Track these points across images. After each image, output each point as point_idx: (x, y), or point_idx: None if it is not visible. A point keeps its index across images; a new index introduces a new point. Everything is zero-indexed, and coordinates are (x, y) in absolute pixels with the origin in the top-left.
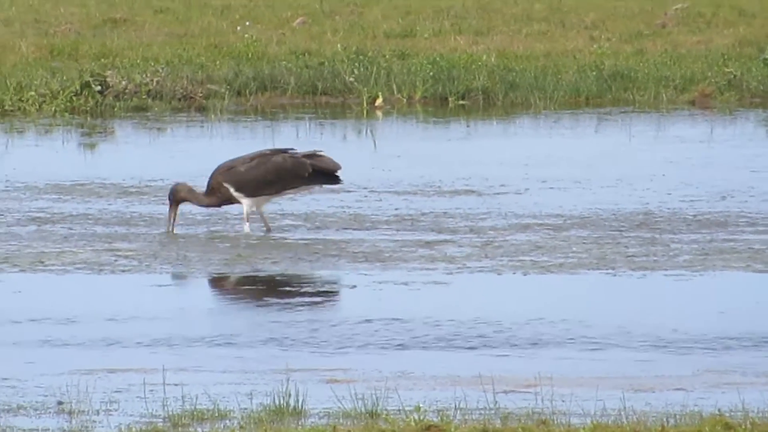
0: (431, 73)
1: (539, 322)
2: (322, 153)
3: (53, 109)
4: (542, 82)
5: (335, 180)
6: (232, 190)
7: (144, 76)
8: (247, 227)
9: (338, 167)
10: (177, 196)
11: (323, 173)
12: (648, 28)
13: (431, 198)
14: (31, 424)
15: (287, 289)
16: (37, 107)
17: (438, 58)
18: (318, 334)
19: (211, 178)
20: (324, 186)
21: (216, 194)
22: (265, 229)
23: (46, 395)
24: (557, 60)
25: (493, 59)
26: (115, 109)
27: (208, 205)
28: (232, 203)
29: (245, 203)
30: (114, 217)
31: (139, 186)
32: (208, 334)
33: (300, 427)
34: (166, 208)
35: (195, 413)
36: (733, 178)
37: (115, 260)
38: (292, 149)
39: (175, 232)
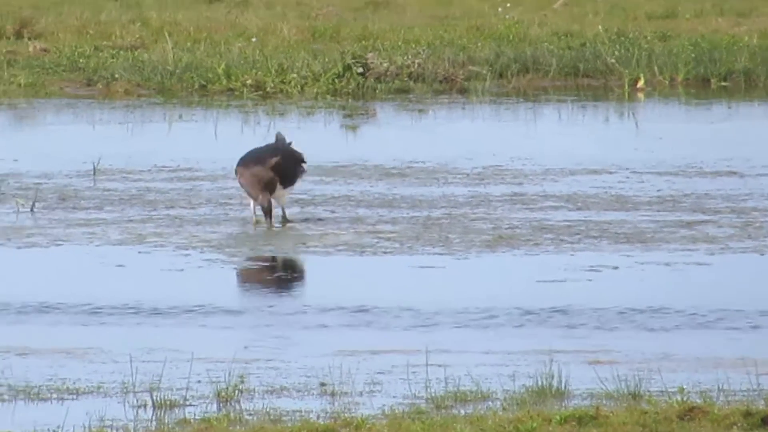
0: (693, 55)
1: None
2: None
3: (315, 91)
4: None
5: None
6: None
7: (405, 58)
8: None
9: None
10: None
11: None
12: None
13: (693, 179)
14: (294, 405)
15: (548, 269)
16: (299, 89)
17: (700, 40)
18: (579, 315)
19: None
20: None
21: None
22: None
23: (309, 377)
24: None
25: (755, 40)
26: (377, 91)
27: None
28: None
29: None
30: (376, 199)
31: (401, 168)
32: (470, 316)
33: (563, 408)
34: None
35: (458, 394)
36: None
37: (377, 242)
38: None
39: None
